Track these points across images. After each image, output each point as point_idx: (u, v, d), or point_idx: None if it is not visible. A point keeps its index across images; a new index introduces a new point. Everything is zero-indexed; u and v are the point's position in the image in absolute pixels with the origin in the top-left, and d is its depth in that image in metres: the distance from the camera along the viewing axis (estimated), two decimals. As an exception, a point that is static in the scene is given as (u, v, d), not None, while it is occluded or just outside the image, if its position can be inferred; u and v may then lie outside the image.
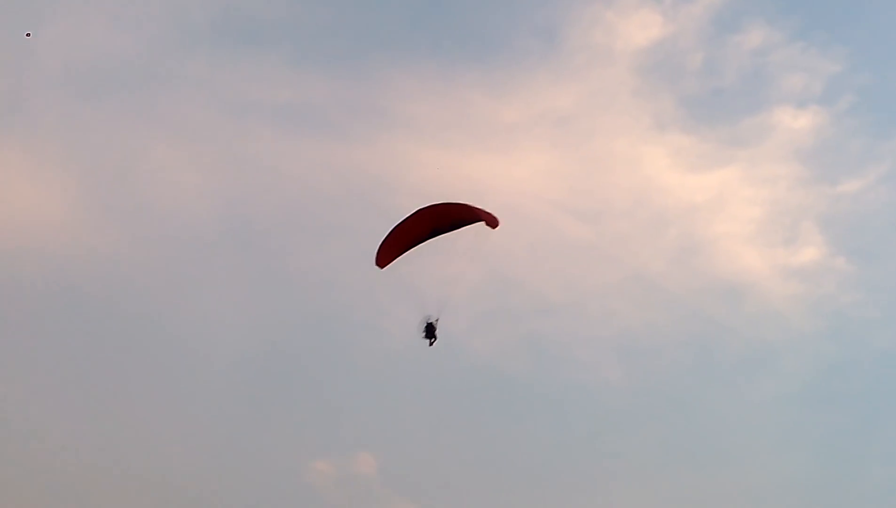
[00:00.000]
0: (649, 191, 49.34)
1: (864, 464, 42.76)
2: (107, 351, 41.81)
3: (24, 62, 45.44)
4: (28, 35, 40.23)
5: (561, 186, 49.03)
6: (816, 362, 45.44)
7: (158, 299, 43.81)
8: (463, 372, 45.02)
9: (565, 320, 46.97)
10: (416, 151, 49.00)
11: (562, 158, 49.69)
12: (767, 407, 44.11)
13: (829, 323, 46.13)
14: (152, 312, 43.33)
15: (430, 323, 21.46)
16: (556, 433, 43.02)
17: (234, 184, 47.37)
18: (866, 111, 49.83)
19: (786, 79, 50.15)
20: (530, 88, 50.00)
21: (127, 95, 47.97)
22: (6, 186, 44.53)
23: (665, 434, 43.14)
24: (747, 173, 49.15)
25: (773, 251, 47.88)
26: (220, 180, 47.30)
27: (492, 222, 20.62)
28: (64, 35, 46.97)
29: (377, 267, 21.04)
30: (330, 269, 46.23)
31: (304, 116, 49.32)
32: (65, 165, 45.84)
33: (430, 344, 21.41)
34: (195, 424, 40.48)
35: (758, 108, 49.92)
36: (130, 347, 42.30)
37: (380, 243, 20.93)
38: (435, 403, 43.03)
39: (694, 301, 47.14)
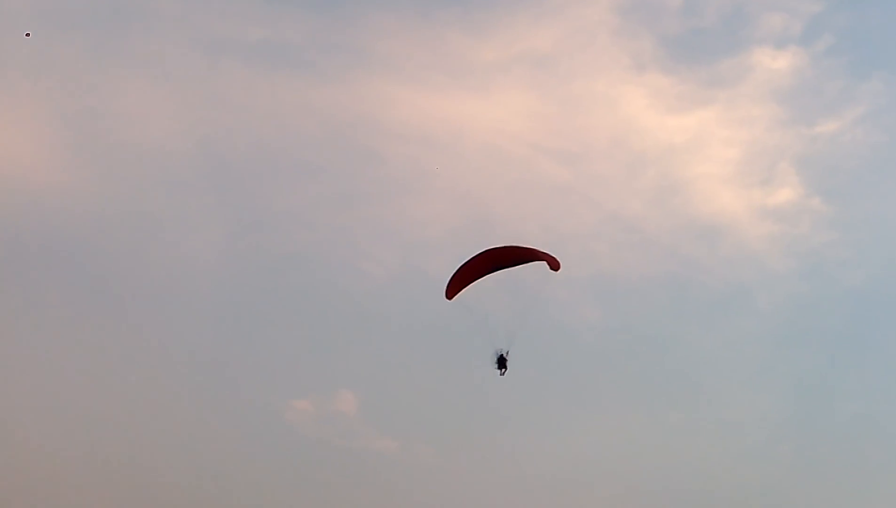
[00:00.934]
0: (628, 132, 49.28)
1: (835, 400, 43.73)
2: (82, 291, 41.51)
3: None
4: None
5: (539, 126, 48.82)
6: (790, 300, 46.12)
7: (134, 239, 43.44)
8: (442, 312, 45.15)
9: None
10: (393, 91, 48.48)
11: (540, 98, 49.38)
12: (742, 345, 44.81)
13: (804, 263, 46.72)
14: (127, 252, 42.98)
15: (502, 355, 23.34)
16: (535, 371, 43.45)
17: (209, 123, 46.71)
18: (845, 52, 49.86)
19: (766, 19, 49.94)
20: (509, 28, 49.45)
21: (100, 32, 46.89)
22: (-24, 125, 43.64)
23: (643, 372, 43.72)
24: (726, 114, 49.18)
25: (749, 192, 48.18)
26: (195, 119, 46.60)
27: (554, 265, 22.46)
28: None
29: (446, 299, 22.96)
30: (307, 209, 46.01)
31: (279, 55, 48.52)
32: (37, 102, 44.89)
33: (502, 374, 23.44)
34: (173, 364, 40.41)
35: (737, 48, 49.75)
36: (106, 287, 42.03)
37: (449, 277, 22.86)
38: (414, 342, 43.21)
39: (671, 242, 47.48)
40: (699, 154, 49.23)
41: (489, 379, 42.62)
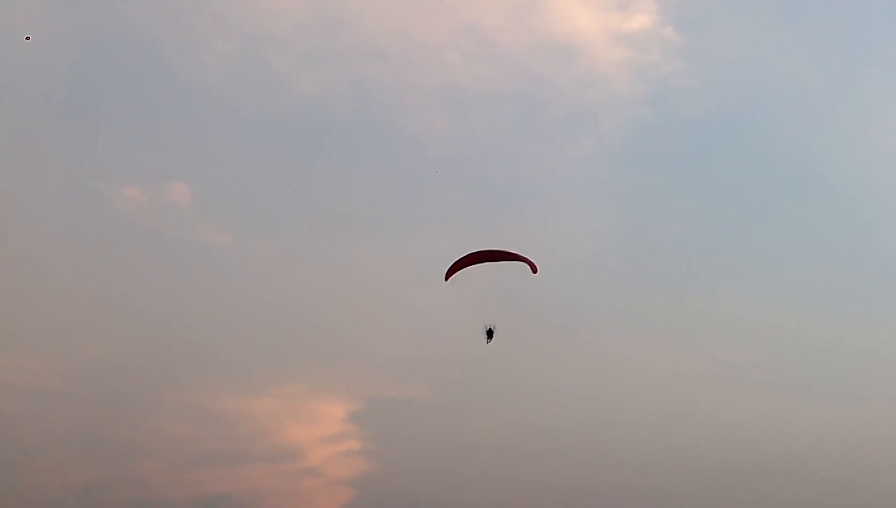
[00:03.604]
0: (492, -60, 47.73)
1: (662, 219, 46.07)
2: None
3: None
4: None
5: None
6: (633, 125, 47.28)
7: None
8: (287, 110, 43.73)
9: (394, 66, 46.07)
10: None
11: None
12: (583, 165, 45.99)
13: (650, 89, 47.65)
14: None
15: (490, 329, 28.07)
16: (378, 177, 43.26)
17: None
18: None
19: None
20: None
21: None
22: None
23: (485, 183, 44.33)
24: (592, -68, 48.30)
25: (606, 15, 48.08)
26: None
27: (534, 269, 27.70)
28: None
29: (444, 281, 27.94)
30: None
31: None
32: None
33: (488, 342, 28.20)
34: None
35: None
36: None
37: (449, 266, 27.73)
38: (256, 138, 41.89)
39: (525, 58, 47.22)
40: (562, -29, 48.45)
41: (327, 176, 42.18)
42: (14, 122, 38.46)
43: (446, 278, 27.63)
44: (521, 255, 27.63)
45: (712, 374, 45.80)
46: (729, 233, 46.54)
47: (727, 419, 44.99)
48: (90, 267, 37.32)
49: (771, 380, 47.12)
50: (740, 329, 47.55)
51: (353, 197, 42.01)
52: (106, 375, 38.30)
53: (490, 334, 28.07)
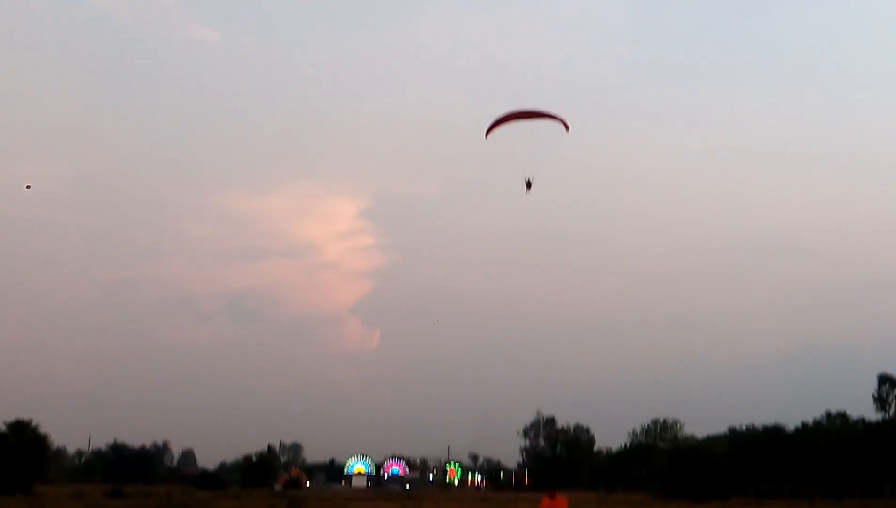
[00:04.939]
0: None
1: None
2: None
3: None
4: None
5: None
6: None
7: None
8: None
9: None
10: None
11: None
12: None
13: None
14: None
15: (529, 180, 31.90)
16: None
17: None
18: None
19: None
20: None
21: None
22: None
23: None
24: None
25: None
26: None
27: (566, 127, 30.97)
28: None
29: (484, 138, 31.53)
30: None
31: None
32: None
33: (527, 192, 31.72)
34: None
35: None
36: None
37: (489, 124, 31.28)
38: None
39: None
40: None
41: None
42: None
43: (486, 136, 30.76)
44: (555, 114, 30.34)
45: (719, 158, 45.88)
46: (742, 10, 44.54)
47: (734, 200, 45.34)
48: (83, 72, 36.52)
49: (776, 161, 47.12)
50: (748, 113, 46.91)
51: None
52: (113, 179, 38.54)
53: (529, 185, 31.50)
